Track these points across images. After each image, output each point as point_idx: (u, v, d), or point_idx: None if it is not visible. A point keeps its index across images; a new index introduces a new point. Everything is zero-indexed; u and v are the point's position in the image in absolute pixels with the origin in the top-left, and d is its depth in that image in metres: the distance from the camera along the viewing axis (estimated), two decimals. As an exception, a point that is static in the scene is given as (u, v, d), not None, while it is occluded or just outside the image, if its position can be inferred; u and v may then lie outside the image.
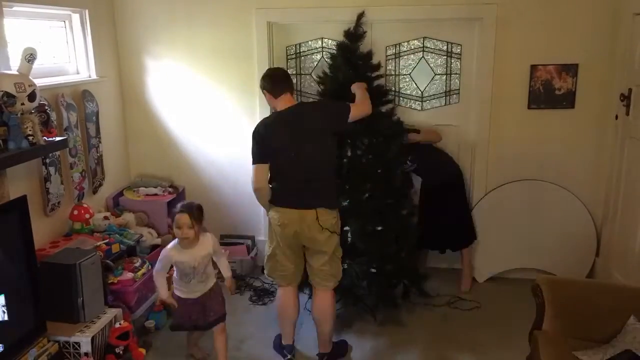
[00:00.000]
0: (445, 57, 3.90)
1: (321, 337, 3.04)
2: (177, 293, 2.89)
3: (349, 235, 3.38)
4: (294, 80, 4.07)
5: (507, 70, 3.74)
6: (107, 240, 3.28)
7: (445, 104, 3.98)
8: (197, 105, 4.12)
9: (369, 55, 3.44)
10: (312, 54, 4.01)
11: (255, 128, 2.87)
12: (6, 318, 2.50)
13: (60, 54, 3.63)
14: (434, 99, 3.98)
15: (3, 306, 2.48)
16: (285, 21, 3.93)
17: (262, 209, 4.20)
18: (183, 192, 4.21)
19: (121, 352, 2.92)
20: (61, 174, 3.33)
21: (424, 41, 3.89)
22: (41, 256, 2.91)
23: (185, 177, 4.24)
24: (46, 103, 3.11)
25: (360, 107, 2.98)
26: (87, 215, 3.43)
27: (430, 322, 3.48)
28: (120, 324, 2.94)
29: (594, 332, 2.48)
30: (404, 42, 3.90)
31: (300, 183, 2.81)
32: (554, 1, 3.60)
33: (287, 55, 4.05)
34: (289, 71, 4.06)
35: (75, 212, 3.40)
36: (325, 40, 3.96)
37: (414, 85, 3.97)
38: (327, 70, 3.52)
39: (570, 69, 3.67)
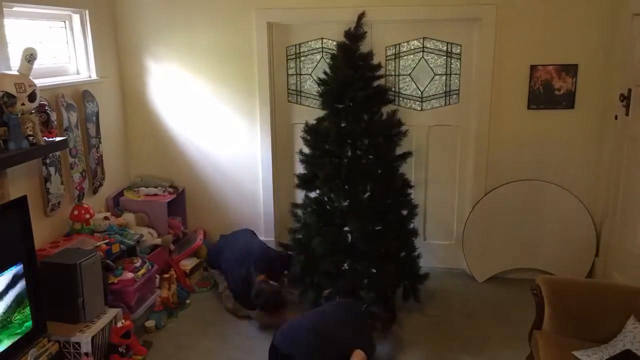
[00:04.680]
0: (445, 57, 3.90)
1: None
2: None
3: (349, 235, 3.39)
4: (294, 80, 4.09)
5: (506, 71, 3.74)
6: (108, 241, 3.28)
7: (445, 104, 3.98)
8: (197, 106, 4.12)
9: (370, 55, 3.44)
10: (312, 54, 4.01)
11: None
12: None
13: (60, 54, 3.64)
14: (433, 99, 3.98)
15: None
16: (285, 21, 3.94)
17: (262, 209, 4.24)
18: (183, 193, 4.22)
19: (124, 351, 2.93)
20: (61, 174, 3.33)
21: (423, 41, 3.89)
22: (41, 256, 2.91)
23: (186, 177, 4.25)
24: (46, 103, 3.11)
25: None
26: (87, 216, 3.43)
27: (430, 323, 3.49)
28: (122, 323, 2.95)
29: (594, 332, 2.48)
30: (403, 42, 3.91)
31: None
32: (553, 1, 3.60)
33: (287, 56, 4.05)
34: (289, 71, 4.08)
35: (76, 212, 3.41)
36: (325, 40, 3.96)
37: (414, 85, 3.97)
38: (328, 71, 3.52)
39: (570, 69, 3.67)
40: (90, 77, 3.77)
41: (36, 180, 3.17)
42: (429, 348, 3.21)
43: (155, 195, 4.00)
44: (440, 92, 3.96)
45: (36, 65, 2.85)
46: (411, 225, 3.54)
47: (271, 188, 4.17)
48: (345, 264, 3.39)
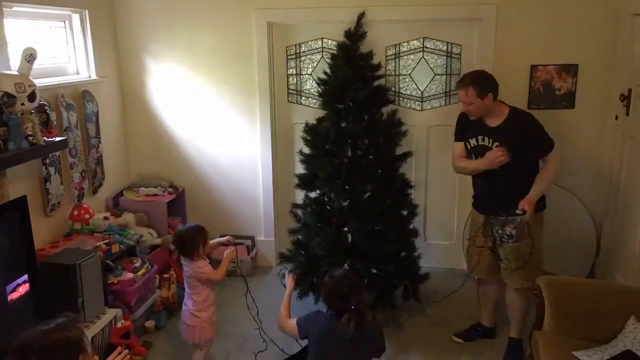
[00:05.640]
0: (445, 57, 3.89)
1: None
2: None
3: (349, 235, 3.39)
4: (294, 80, 4.09)
5: (507, 71, 3.73)
6: (107, 241, 3.28)
7: (445, 104, 3.98)
8: (197, 106, 4.12)
9: (370, 55, 3.44)
10: (312, 54, 4.01)
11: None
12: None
13: (60, 54, 3.63)
14: (433, 99, 3.98)
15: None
16: (285, 21, 3.93)
17: (262, 209, 4.24)
18: (183, 193, 4.21)
19: (124, 351, 2.93)
20: (61, 174, 3.33)
21: (423, 41, 3.89)
22: (41, 256, 2.91)
23: (185, 177, 4.24)
24: (46, 103, 3.11)
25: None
26: (87, 216, 3.43)
27: (430, 323, 3.48)
28: (122, 323, 2.95)
29: (594, 332, 2.48)
30: (403, 42, 3.90)
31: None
32: (553, 1, 3.60)
33: (287, 55, 4.05)
34: (289, 71, 4.08)
35: (75, 213, 3.41)
36: (325, 40, 3.96)
37: (414, 85, 3.97)
38: (328, 70, 3.52)
39: (570, 69, 3.67)
40: (90, 77, 3.77)
41: (36, 181, 3.17)
42: (429, 349, 3.20)
43: (155, 195, 4.00)
44: (441, 92, 3.96)
45: (36, 65, 2.85)
46: (411, 226, 3.54)
47: (271, 188, 4.17)
48: (346, 264, 3.39)
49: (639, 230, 3.24)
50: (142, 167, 4.27)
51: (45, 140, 2.89)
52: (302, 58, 4.04)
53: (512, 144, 2.79)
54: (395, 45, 3.91)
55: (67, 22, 3.66)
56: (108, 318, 2.92)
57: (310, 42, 4.00)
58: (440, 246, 4.18)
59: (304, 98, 4.10)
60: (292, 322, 2.46)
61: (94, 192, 3.75)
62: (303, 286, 3.48)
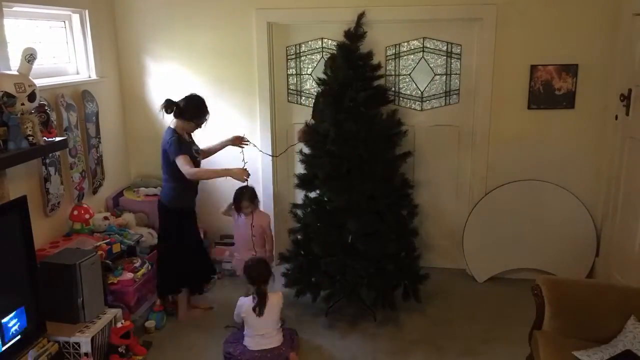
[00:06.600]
0: (445, 57, 3.90)
1: None
2: None
3: (349, 235, 3.39)
4: (294, 80, 4.09)
5: (507, 71, 3.74)
6: (108, 240, 3.29)
7: (445, 104, 3.98)
8: (197, 106, 4.11)
9: (369, 55, 3.44)
10: (312, 54, 4.01)
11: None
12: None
13: (60, 54, 3.63)
14: (433, 99, 3.98)
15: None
16: (285, 21, 3.94)
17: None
18: (183, 192, 4.20)
19: (124, 351, 2.93)
20: (61, 174, 3.33)
21: (423, 41, 3.89)
22: (41, 256, 2.91)
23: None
24: (46, 103, 3.11)
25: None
26: (87, 216, 3.43)
27: (430, 323, 3.48)
28: (122, 323, 2.95)
29: (594, 332, 2.48)
30: (403, 42, 3.91)
31: None
32: (554, 1, 3.60)
33: (287, 55, 4.05)
34: (289, 71, 4.08)
35: (75, 213, 3.41)
36: (325, 40, 3.96)
37: (414, 85, 3.97)
38: (328, 70, 3.52)
39: (570, 69, 3.67)
40: (89, 77, 3.77)
41: (36, 180, 3.17)
42: (428, 348, 3.20)
43: (155, 195, 3.99)
44: (440, 92, 3.96)
45: (36, 65, 2.85)
46: (411, 225, 3.54)
47: (271, 188, 4.17)
48: (346, 264, 3.39)
49: (638, 230, 3.24)
50: (142, 167, 4.27)
51: (45, 140, 2.89)
52: (302, 58, 4.04)
53: None
54: (395, 45, 3.91)
55: (67, 22, 3.66)
56: (108, 318, 2.92)
57: (310, 42, 4.00)
58: (440, 246, 4.18)
59: (304, 98, 4.10)
60: None
61: (94, 192, 3.76)
62: (301, 285, 3.48)
